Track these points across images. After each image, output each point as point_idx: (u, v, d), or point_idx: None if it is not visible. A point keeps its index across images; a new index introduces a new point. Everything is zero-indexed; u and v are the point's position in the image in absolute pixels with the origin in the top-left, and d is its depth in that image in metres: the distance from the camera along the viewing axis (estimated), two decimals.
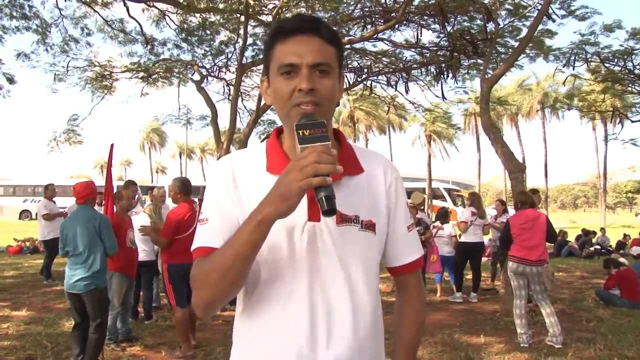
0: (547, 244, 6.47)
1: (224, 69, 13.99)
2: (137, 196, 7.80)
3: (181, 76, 14.54)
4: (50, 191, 10.74)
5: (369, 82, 13.59)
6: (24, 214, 34.35)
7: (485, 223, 9.12)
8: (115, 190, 6.40)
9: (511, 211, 8.01)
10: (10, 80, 12.05)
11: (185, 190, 5.78)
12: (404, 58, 12.89)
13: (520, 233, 6.17)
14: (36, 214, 10.60)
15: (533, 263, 5.99)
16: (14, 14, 10.87)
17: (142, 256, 6.63)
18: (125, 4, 11.32)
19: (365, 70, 12.95)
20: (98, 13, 11.81)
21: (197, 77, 13.40)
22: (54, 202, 10.69)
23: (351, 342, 1.31)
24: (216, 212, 1.34)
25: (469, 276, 9.24)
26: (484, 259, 13.79)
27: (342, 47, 1.38)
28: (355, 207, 1.35)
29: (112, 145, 6.30)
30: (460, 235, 9.22)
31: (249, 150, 1.50)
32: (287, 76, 1.28)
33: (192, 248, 1.34)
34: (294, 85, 1.27)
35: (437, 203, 32.58)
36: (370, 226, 1.36)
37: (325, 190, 1.11)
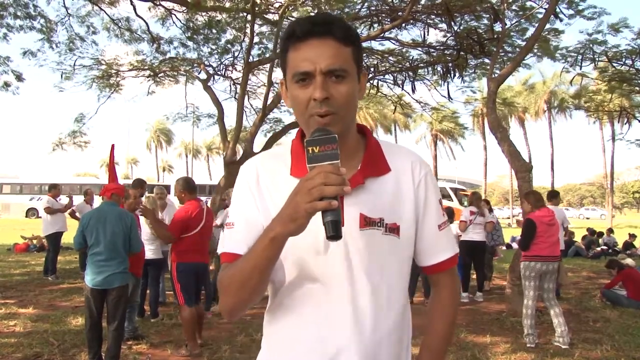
0: None
1: (230, 68, 14.03)
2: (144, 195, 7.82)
3: (188, 75, 14.56)
4: (55, 190, 10.98)
5: (375, 81, 13.57)
6: (31, 212, 34.46)
7: (487, 221, 9.10)
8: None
9: (516, 210, 7.98)
10: (19, 77, 12.13)
11: (190, 188, 5.80)
12: (411, 57, 12.88)
13: (546, 230, 6.11)
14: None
15: (556, 258, 6.01)
16: (18, 13, 10.92)
17: (149, 254, 6.65)
18: (132, 3, 11.36)
19: (372, 69, 12.94)
20: (105, 12, 11.86)
21: (203, 75, 13.43)
22: (57, 202, 10.88)
23: (374, 344, 1.30)
24: (241, 217, 1.36)
25: (474, 275, 9.22)
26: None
27: (359, 45, 1.33)
28: (380, 209, 1.32)
29: (112, 146, 6.37)
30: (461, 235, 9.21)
31: (274, 151, 1.49)
32: (302, 84, 1.26)
33: (219, 251, 1.37)
34: (309, 94, 1.24)
35: (443, 203, 32.51)
36: (394, 229, 1.34)
37: (331, 215, 1.08)
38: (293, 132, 14.08)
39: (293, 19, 11.69)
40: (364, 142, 1.42)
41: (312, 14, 10.81)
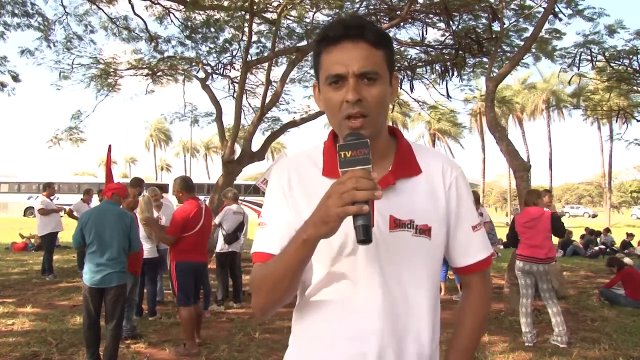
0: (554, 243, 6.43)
1: (228, 67, 14.03)
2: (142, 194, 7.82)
3: (186, 74, 14.56)
4: (50, 189, 10.95)
5: None
6: (29, 211, 34.33)
7: (485, 221, 9.11)
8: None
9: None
10: (15, 78, 12.10)
11: (188, 187, 5.80)
12: (409, 56, 12.89)
13: (523, 231, 6.23)
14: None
15: (541, 261, 5.98)
16: (16, 11, 10.90)
17: (145, 253, 6.65)
18: (130, 1, 11.34)
19: None
20: (102, 10, 11.84)
21: (201, 74, 13.41)
22: (51, 201, 10.86)
23: (404, 345, 1.32)
24: (274, 217, 1.38)
25: None
26: None
27: (391, 47, 1.35)
28: (411, 211, 1.33)
29: (109, 147, 6.41)
30: None
31: (306, 152, 1.49)
32: (335, 86, 1.27)
33: (252, 251, 1.40)
34: (342, 96, 1.26)
35: None
36: (425, 231, 1.34)
37: (362, 219, 1.10)
38: (292, 131, 14.10)
39: (291, 17, 11.70)
40: (395, 144, 1.43)
41: (311, 12, 10.80)
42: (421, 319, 1.35)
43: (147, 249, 6.74)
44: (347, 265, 1.31)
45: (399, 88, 13.84)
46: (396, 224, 1.31)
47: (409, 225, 1.32)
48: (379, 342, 1.29)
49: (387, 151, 1.40)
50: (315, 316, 1.36)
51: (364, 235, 1.10)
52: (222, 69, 13.96)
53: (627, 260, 10.13)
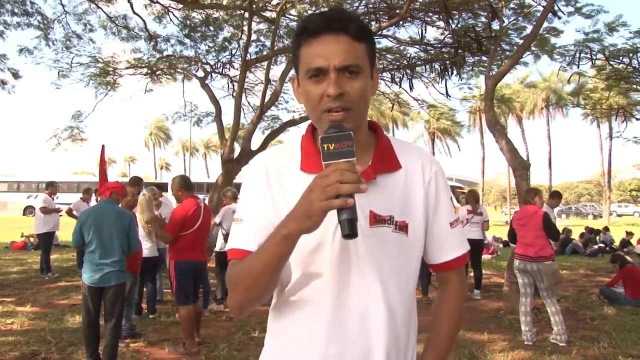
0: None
1: (227, 65, 14.01)
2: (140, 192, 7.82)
3: (185, 73, 14.55)
4: (52, 188, 10.95)
5: None
6: (28, 210, 34.36)
7: (484, 220, 9.11)
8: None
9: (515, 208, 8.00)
10: (15, 75, 12.10)
11: (186, 186, 5.80)
12: (408, 55, 12.88)
13: (518, 229, 6.29)
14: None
15: (532, 259, 5.99)
16: (15, 10, 10.89)
17: (145, 252, 6.65)
18: (129, 0, 11.33)
19: None
20: (102, 9, 11.83)
21: (200, 73, 13.40)
22: (53, 199, 10.86)
23: (383, 344, 1.29)
24: (250, 213, 1.35)
25: (471, 273, 9.23)
26: (488, 256, 13.87)
27: (372, 40, 1.33)
28: (390, 207, 1.32)
29: (103, 147, 6.43)
30: None
31: (284, 147, 1.48)
32: (315, 79, 1.25)
33: (227, 247, 1.36)
34: (322, 90, 1.23)
35: None
36: (403, 227, 1.33)
37: (347, 213, 1.07)
38: (291, 130, 14.08)
39: (290, 16, 11.69)
40: (375, 139, 1.42)
41: (310, 11, 10.79)
42: (400, 316, 1.33)
43: (147, 248, 6.74)
44: (326, 263, 1.28)
45: (399, 86, 13.90)
46: (376, 219, 1.29)
47: (389, 221, 1.31)
48: (359, 341, 1.28)
49: (367, 146, 1.38)
50: (293, 315, 1.33)
51: (350, 230, 1.08)
52: (221, 67, 13.96)
53: (627, 258, 10.11)
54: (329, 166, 1.09)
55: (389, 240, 1.31)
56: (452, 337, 1.49)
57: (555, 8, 9.05)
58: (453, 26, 10.56)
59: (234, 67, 14.11)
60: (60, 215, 10.92)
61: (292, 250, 1.17)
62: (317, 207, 1.07)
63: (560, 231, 10.39)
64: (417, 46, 12.26)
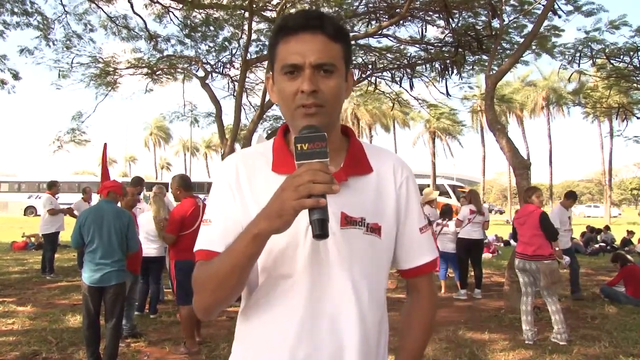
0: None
1: (228, 65, 13.99)
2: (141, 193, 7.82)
3: (185, 72, 14.54)
4: (55, 188, 10.94)
5: (373, 78, 13.55)
6: (29, 210, 34.39)
7: (485, 220, 9.11)
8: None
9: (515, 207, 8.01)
10: (15, 76, 12.10)
11: (186, 186, 5.79)
12: (409, 54, 12.87)
13: (518, 227, 6.37)
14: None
15: (530, 258, 6.02)
16: (15, 10, 10.89)
17: (153, 252, 6.68)
18: (129, 0, 11.32)
19: (370, 66, 12.92)
20: (102, 9, 11.82)
21: (201, 73, 13.40)
22: (56, 199, 10.86)
23: (355, 345, 1.28)
24: (219, 214, 1.33)
25: (472, 272, 9.23)
26: (488, 255, 13.87)
27: (348, 43, 1.34)
28: (362, 209, 1.31)
29: (105, 145, 6.44)
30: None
31: (255, 148, 1.47)
32: (290, 76, 1.25)
33: (195, 249, 1.34)
34: (297, 86, 1.24)
35: (442, 199, 32.61)
36: (376, 229, 1.32)
37: (318, 213, 1.07)
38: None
39: None
40: (347, 143, 1.42)
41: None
42: (372, 318, 1.32)
43: (156, 248, 6.74)
44: (296, 264, 1.27)
45: (399, 86, 13.89)
46: (347, 221, 1.29)
47: (360, 223, 1.30)
48: (330, 342, 1.26)
49: (339, 149, 1.37)
50: (262, 318, 1.31)
51: (320, 230, 1.07)
52: (221, 67, 13.93)
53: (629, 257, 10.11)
54: (301, 166, 1.09)
55: (360, 241, 1.30)
56: (426, 342, 1.49)
57: (555, 7, 9.04)
58: (453, 25, 10.55)
59: (234, 67, 14.10)
60: (65, 215, 10.92)
61: (262, 250, 1.16)
62: (289, 207, 1.07)
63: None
64: (418, 45, 12.25)
